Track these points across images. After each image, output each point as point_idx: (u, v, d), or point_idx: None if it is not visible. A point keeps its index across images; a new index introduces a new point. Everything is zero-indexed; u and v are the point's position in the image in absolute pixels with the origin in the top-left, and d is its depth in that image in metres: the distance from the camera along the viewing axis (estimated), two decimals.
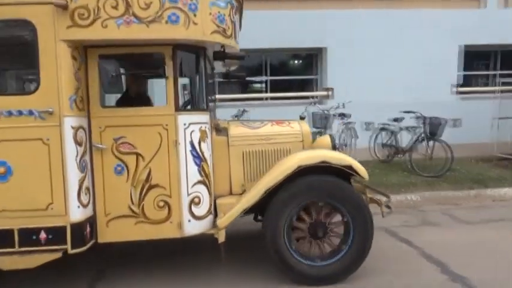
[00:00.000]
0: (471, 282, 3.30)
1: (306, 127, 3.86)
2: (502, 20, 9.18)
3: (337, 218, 3.40)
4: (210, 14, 3.12)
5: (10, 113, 2.91)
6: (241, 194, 3.58)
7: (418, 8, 9.15)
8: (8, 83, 3.53)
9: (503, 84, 8.46)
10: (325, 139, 3.79)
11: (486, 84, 10.30)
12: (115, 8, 2.93)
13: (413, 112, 7.38)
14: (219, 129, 3.63)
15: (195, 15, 3.05)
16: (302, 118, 4.23)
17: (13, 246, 2.95)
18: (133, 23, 2.96)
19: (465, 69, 9.62)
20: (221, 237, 3.25)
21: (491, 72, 10.17)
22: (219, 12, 3.17)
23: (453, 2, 9.43)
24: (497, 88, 8.64)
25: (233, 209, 3.27)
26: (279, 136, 3.74)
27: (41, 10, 2.87)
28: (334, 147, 3.73)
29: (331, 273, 3.31)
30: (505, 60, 10.04)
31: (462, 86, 9.58)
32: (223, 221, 3.25)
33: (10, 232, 2.94)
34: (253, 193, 3.27)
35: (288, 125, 3.86)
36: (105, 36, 2.95)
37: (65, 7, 2.85)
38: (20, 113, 2.92)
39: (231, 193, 3.62)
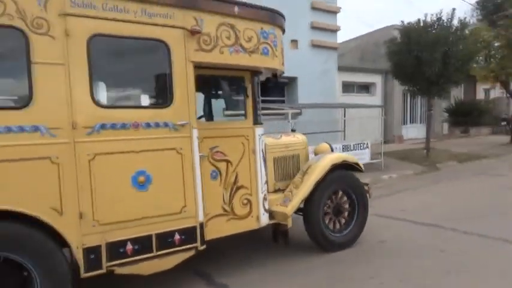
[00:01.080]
0: None
1: (304, 137, 5.08)
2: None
3: (344, 199, 4.75)
4: (281, 49, 4.05)
5: (148, 125, 3.10)
6: (274, 191, 4.50)
7: None
8: (143, 97, 3.38)
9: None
10: (325, 146, 5.09)
11: None
12: (228, 38, 3.53)
13: None
14: None
15: (276, 50, 3.92)
16: (293, 130, 5.31)
17: (151, 251, 3.10)
18: (240, 52, 3.62)
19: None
20: (290, 223, 4.14)
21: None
22: (282, 48, 4.12)
23: None
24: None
25: (293, 201, 4.20)
26: (293, 145, 4.85)
27: (175, 33, 3.22)
28: (332, 151, 5.08)
29: (348, 240, 4.64)
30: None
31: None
32: (289, 209, 4.14)
33: (149, 238, 3.08)
34: (306, 186, 4.28)
35: (294, 136, 4.99)
36: (221, 61, 3.50)
37: (199, 32, 3.29)
38: (157, 125, 3.14)
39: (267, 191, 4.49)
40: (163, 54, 3.19)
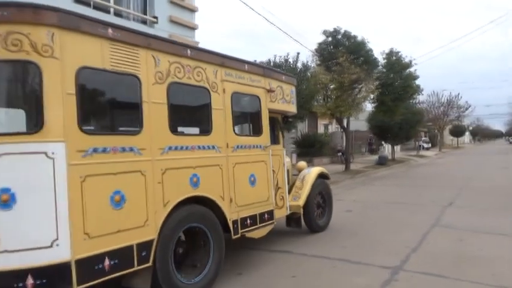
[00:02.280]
0: None
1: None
2: None
3: (321, 197, 7.20)
4: (294, 97, 6.41)
5: (254, 146, 5.13)
6: None
7: None
8: (249, 129, 5.14)
9: None
10: (303, 163, 7.48)
11: None
12: (280, 94, 5.77)
13: None
14: None
15: (293, 98, 6.28)
16: None
17: (257, 224, 5.03)
18: (285, 102, 5.89)
19: None
20: (301, 212, 6.38)
21: None
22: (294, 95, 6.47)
23: None
24: None
25: (301, 198, 6.46)
26: (287, 161, 7.16)
27: (262, 91, 5.32)
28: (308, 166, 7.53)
29: (325, 224, 7.10)
30: None
31: None
32: (301, 203, 6.39)
33: (256, 215, 5.03)
34: (307, 189, 6.59)
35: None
36: (278, 108, 5.73)
37: (272, 91, 5.46)
38: (257, 146, 5.16)
39: None
40: (258, 103, 5.26)
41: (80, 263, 3.05)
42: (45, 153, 2.95)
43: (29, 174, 2.92)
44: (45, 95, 2.96)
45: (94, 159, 3.22)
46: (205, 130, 4.47)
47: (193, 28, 12.39)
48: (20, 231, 2.88)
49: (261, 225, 5.12)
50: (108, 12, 9.74)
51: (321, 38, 20.04)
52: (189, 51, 4.19)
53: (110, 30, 3.41)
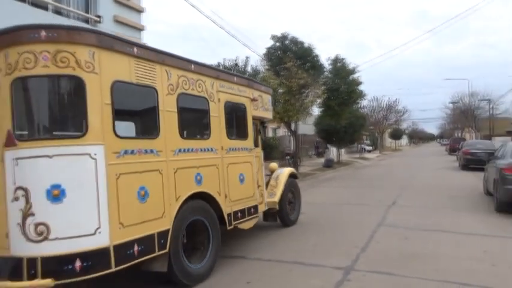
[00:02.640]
0: None
1: None
2: None
3: (291, 194, 8.02)
4: (271, 105, 7.20)
5: (243, 149, 5.83)
6: None
7: None
8: (238, 133, 5.74)
9: None
10: (274, 164, 8.24)
11: None
12: (260, 102, 6.54)
13: None
14: None
15: (270, 106, 7.08)
16: None
17: (246, 217, 5.73)
18: (264, 109, 6.67)
19: None
20: (277, 207, 7.15)
21: None
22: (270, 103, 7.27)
23: None
24: None
25: (277, 195, 7.23)
26: None
27: (247, 100, 6.05)
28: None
29: (296, 219, 7.94)
30: None
31: None
32: (276, 200, 7.16)
33: (245, 209, 5.74)
34: (281, 187, 7.37)
35: None
36: (259, 115, 6.51)
37: (256, 100, 6.20)
38: (243, 149, 5.87)
39: None
40: (244, 111, 5.97)
41: (116, 248, 3.58)
42: (89, 155, 3.46)
43: (76, 172, 3.42)
44: (88, 104, 3.48)
45: (125, 159, 3.77)
46: (206, 134, 5.11)
47: (139, 29, 12.38)
48: (69, 221, 3.36)
49: (248, 218, 5.82)
50: (46, 9, 9.52)
51: (270, 43, 20.31)
52: (192, 66, 4.82)
53: (135, 49, 3.97)
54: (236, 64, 12.21)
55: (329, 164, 23.64)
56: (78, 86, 3.50)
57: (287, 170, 7.83)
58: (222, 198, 5.19)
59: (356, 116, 27.69)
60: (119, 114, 3.86)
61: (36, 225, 3.27)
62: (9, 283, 3.24)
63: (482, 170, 16.92)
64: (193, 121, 5.42)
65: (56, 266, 3.30)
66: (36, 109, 3.70)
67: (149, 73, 4.14)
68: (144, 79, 4.07)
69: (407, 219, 8.16)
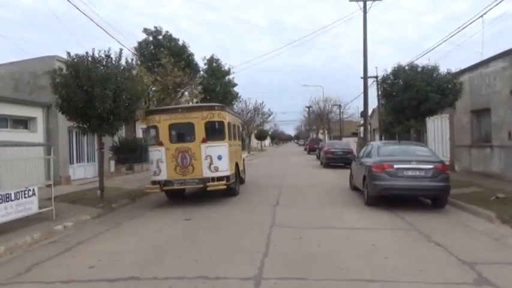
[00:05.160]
0: None
1: None
2: None
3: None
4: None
5: (234, 145, 13.42)
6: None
7: None
8: (232, 136, 13.25)
9: None
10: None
11: None
12: (237, 121, 14.14)
13: None
14: None
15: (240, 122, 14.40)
16: None
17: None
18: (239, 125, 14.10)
19: None
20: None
21: None
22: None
23: None
24: None
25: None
26: None
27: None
28: None
29: (238, 191, 15.63)
30: None
31: None
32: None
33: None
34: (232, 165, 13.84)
35: None
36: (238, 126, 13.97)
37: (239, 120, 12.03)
38: (236, 144, 13.87)
39: None
40: (221, 124, 11.76)
41: (232, 175, 11.63)
42: (225, 145, 11.47)
43: (223, 150, 11.36)
44: (225, 131, 11.57)
45: (230, 146, 11.90)
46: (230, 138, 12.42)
47: None
48: (224, 165, 11.22)
49: (211, 183, 11.25)
50: None
51: (142, 36, 19.76)
52: (229, 109, 12.61)
53: (231, 110, 12.39)
54: (108, 56, 10.64)
55: None
56: (222, 125, 11.52)
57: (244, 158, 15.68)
58: (240, 166, 13.18)
59: None
60: (230, 133, 11.92)
61: (214, 167, 10.80)
62: (211, 184, 10.86)
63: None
64: (233, 132, 12.98)
65: (220, 179, 11.01)
66: (210, 130, 11.33)
67: (232, 119, 12.05)
68: (231, 120, 11.95)
69: (294, 218, 8.36)
